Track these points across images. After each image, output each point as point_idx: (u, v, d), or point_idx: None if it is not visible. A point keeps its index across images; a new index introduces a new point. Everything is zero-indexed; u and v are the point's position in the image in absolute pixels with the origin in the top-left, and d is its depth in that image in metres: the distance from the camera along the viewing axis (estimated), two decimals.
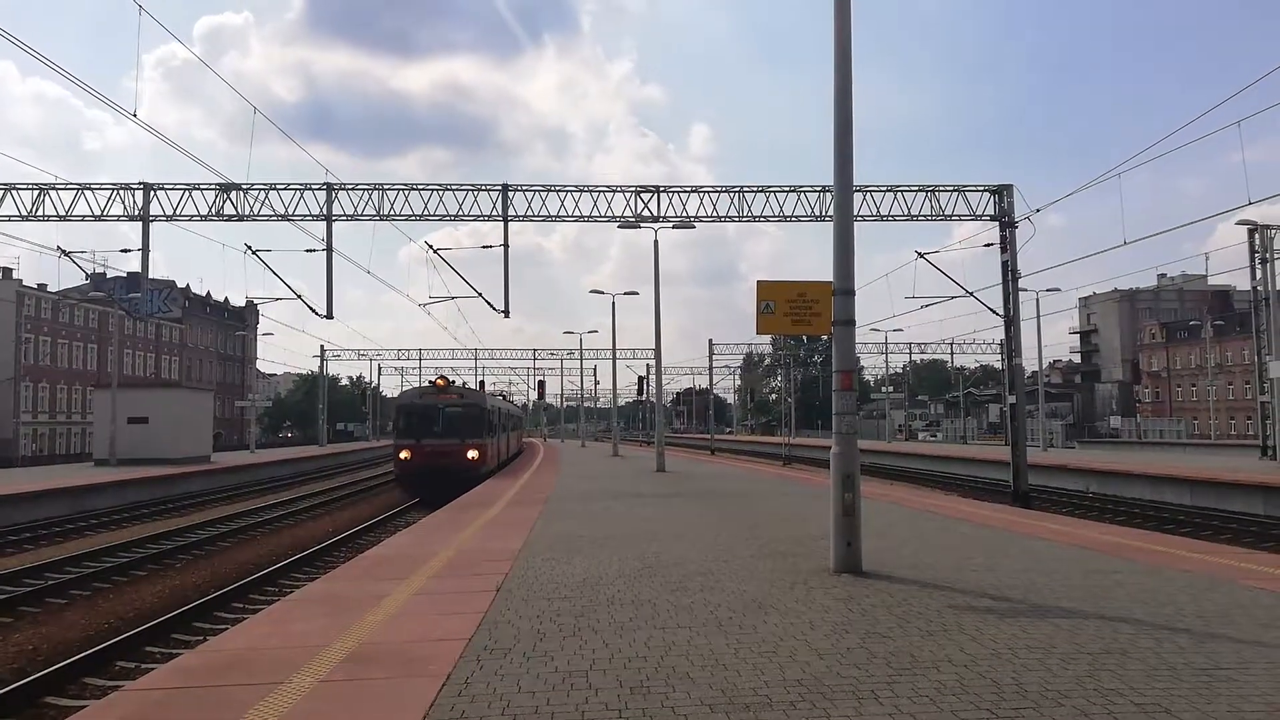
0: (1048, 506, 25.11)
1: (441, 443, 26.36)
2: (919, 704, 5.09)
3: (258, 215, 26.41)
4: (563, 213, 27.35)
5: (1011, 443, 26.33)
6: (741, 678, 5.64)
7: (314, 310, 26.80)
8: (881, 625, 7.03)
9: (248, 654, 6.39)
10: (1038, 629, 6.87)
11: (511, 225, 27.26)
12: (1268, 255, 34.09)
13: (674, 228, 28.59)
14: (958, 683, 5.49)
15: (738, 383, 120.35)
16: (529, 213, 27.20)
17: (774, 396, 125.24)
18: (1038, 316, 54.43)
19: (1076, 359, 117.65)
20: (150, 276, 31.28)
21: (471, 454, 26.65)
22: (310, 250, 26.75)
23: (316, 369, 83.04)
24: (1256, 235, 34.42)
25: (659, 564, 10.17)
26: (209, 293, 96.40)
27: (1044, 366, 70.95)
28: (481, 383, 76.47)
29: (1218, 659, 6.00)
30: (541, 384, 78.47)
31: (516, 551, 11.25)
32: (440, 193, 27.05)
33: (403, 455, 26.72)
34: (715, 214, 27.55)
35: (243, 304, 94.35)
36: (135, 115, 15.73)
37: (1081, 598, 8.07)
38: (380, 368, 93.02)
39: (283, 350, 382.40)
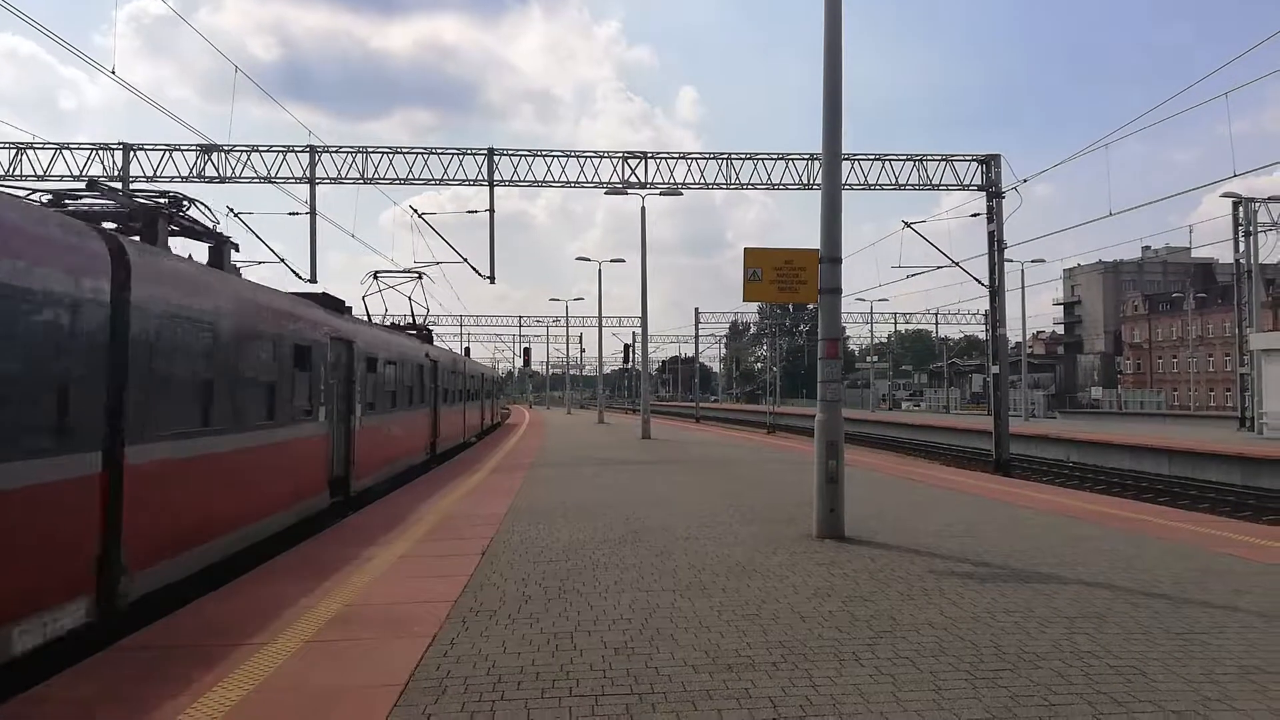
0: (1028, 475, 25.40)
1: None
2: (899, 665, 5.17)
3: (239, 177, 26.07)
4: (549, 178, 27.11)
5: (994, 412, 26.54)
6: (725, 639, 5.71)
7: (297, 274, 26.28)
8: (863, 589, 7.12)
9: (234, 615, 6.40)
10: (1016, 593, 6.97)
11: (497, 190, 27.06)
12: (1251, 228, 34.28)
13: (661, 194, 28.44)
14: (937, 645, 5.57)
15: (723, 351, 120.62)
16: (515, 177, 26.95)
17: (759, 365, 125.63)
18: (1022, 287, 54.85)
19: (1060, 330, 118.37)
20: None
21: None
22: (293, 213, 26.47)
23: None
24: (1241, 208, 34.59)
25: (643, 529, 10.23)
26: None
27: (1027, 337, 71.44)
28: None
29: (1192, 623, 6.11)
30: (527, 351, 78.38)
31: (501, 516, 11.29)
32: (425, 156, 26.76)
33: None
34: (703, 181, 27.40)
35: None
36: (113, 72, 15.41)
37: (1060, 563, 8.19)
38: None
39: None
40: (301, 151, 26.12)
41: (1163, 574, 7.75)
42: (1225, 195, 34.87)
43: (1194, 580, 7.50)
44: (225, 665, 5.19)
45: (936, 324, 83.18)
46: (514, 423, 45.51)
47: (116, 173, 25.79)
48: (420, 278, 24.45)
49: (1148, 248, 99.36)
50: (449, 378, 24.09)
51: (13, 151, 25.69)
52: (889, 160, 27.10)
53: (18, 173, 25.62)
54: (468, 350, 74.57)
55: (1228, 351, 70.91)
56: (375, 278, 23.31)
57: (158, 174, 25.84)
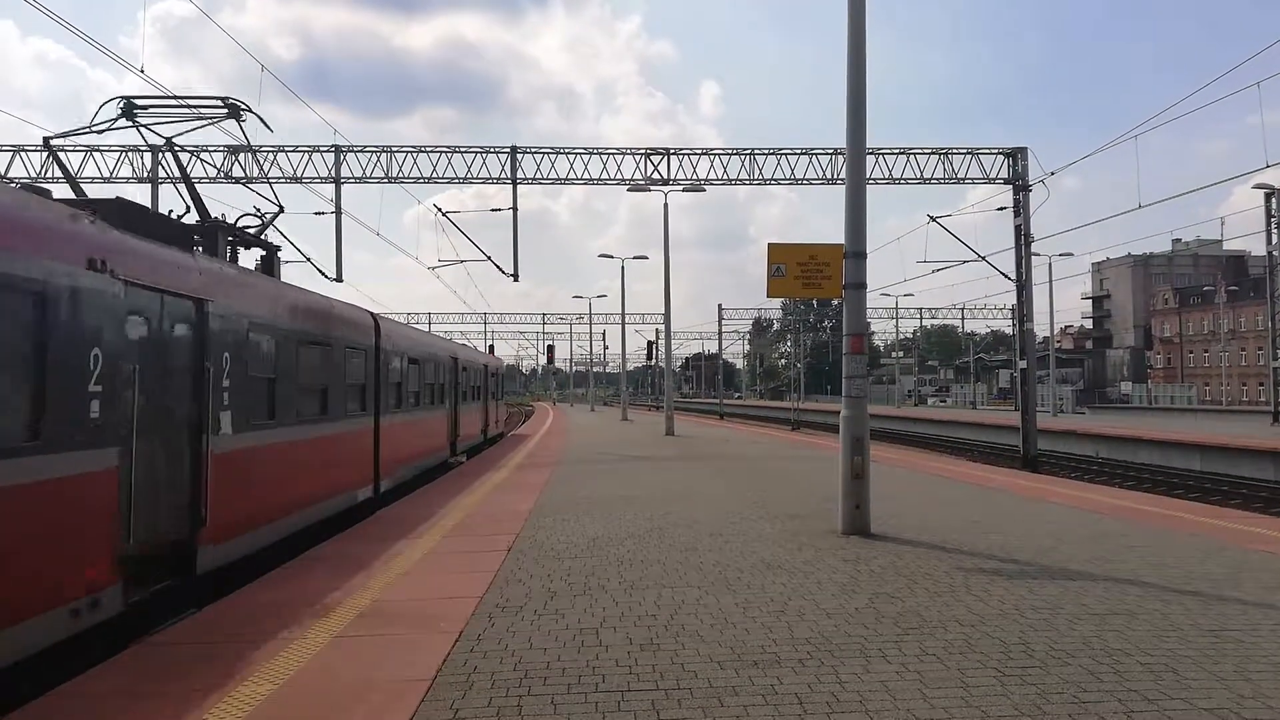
0: (1056, 471, 25.13)
1: None
2: (926, 663, 5.14)
3: (266, 177, 26.32)
4: (572, 175, 27.17)
5: (1021, 408, 26.28)
6: (750, 636, 5.70)
7: (323, 273, 26.59)
8: (889, 586, 7.08)
9: (264, 610, 6.48)
10: (1045, 590, 6.90)
11: (519, 188, 27.15)
12: None
13: (684, 191, 28.39)
14: (965, 642, 5.53)
15: (747, 348, 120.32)
16: (538, 175, 27.03)
17: (783, 362, 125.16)
18: (1050, 281, 54.27)
19: (1089, 324, 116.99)
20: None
21: None
22: (319, 213, 26.70)
23: None
24: (1273, 199, 34.01)
25: (668, 525, 10.24)
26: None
27: (1055, 331, 70.64)
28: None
29: (1225, 621, 6.02)
30: (551, 349, 78.65)
31: (527, 513, 11.34)
32: (449, 155, 26.90)
33: None
34: (726, 176, 27.33)
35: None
36: (143, 72, 15.59)
37: (1089, 560, 8.10)
38: None
39: None
40: (327, 151, 26.35)
41: (1194, 571, 7.65)
42: (1258, 186, 34.39)
43: (1226, 577, 7.39)
44: (255, 659, 5.26)
45: (963, 319, 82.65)
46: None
47: (145, 174, 26.14)
48: (237, 116, 10.98)
49: (1178, 240, 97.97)
50: (310, 362, 11.06)
51: (45, 154, 26.08)
52: (914, 154, 26.90)
53: (49, 175, 26.03)
54: (491, 349, 74.79)
55: (1260, 345, 69.77)
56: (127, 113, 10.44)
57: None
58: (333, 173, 26.37)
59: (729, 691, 4.68)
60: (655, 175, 27.23)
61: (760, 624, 5.97)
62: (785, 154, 27.07)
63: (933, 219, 28.42)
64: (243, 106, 11.01)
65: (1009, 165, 26.41)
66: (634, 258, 46.98)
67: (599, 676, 4.94)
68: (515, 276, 27.84)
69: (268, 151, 26.23)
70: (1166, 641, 5.53)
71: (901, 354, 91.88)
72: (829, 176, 26.78)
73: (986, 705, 4.46)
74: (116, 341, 6.38)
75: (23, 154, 26.00)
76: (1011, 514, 11.25)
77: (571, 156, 27.13)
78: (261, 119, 12.16)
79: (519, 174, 26.85)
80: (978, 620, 6.03)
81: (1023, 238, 25.73)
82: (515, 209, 27.32)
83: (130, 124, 10.54)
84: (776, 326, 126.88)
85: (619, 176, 27.22)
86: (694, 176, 27.40)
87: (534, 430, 36.59)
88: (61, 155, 24.90)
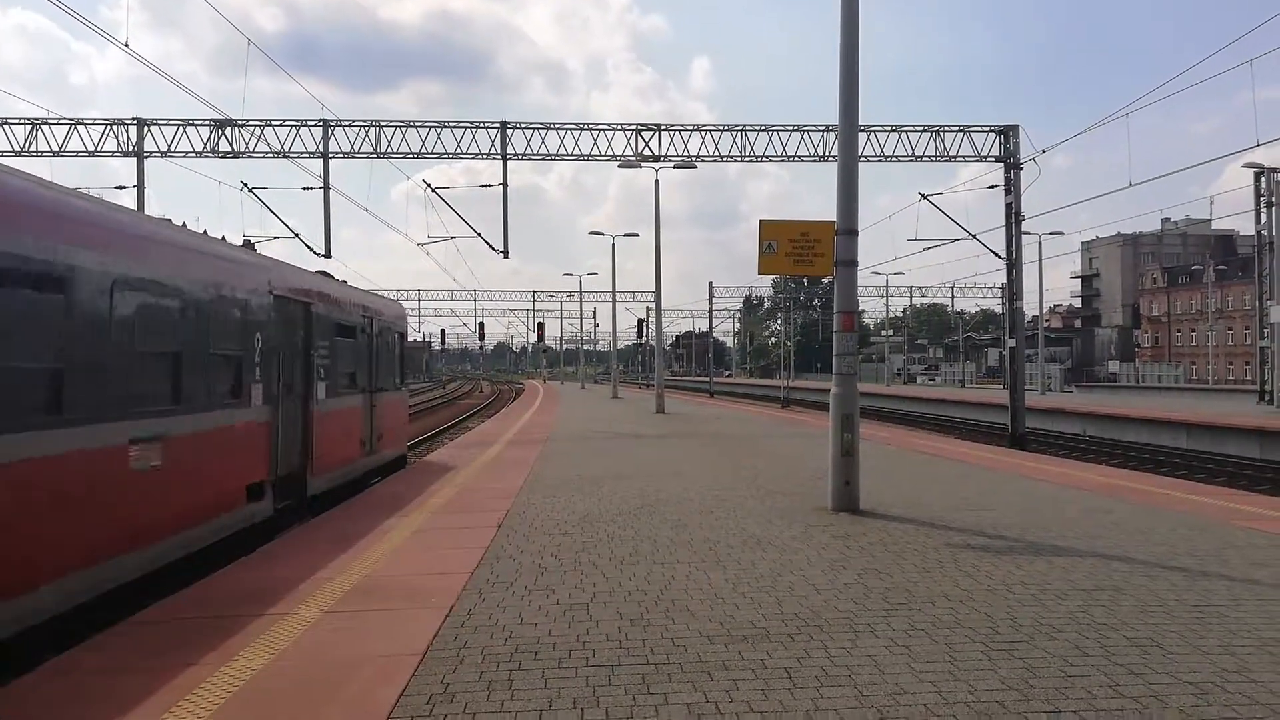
0: (1044, 449, 25.27)
1: None
2: (914, 637, 5.17)
3: (253, 152, 26.06)
4: (562, 151, 26.97)
5: (1010, 386, 26.41)
6: (740, 611, 5.73)
7: (312, 249, 26.52)
8: (878, 562, 7.12)
9: (255, 587, 6.48)
10: (1032, 566, 6.96)
11: (510, 164, 26.96)
12: (1274, 198, 33.78)
13: (675, 167, 28.28)
14: (953, 617, 5.57)
15: (737, 326, 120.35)
16: (528, 151, 26.83)
17: (773, 340, 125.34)
18: (1040, 260, 54.41)
19: (1077, 303, 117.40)
20: (145, 214, 30.74)
21: None
22: (307, 188, 26.45)
23: None
24: (1263, 178, 34.08)
25: (658, 502, 10.26)
26: (205, 231, 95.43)
27: (1044, 310, 70.84)
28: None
29: (1210, 596, 6.08)
30: (541, 326, 78.34)
31: (517, 489, 11.35)
32: (438, 130, 26.67)
33: None
34: (717, 153, 27.20)
35: (239, 243, 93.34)
36: (126, 44, 15.39)
37: (1076, 536, 8.16)
38: None
39: None
40: (315, 125, 26.08)
41: (1180, 547, 7.72)
42: (1247, 165, 34.39)
43: (1212, 553, 7.46)
44: (246, 635, 5.26)
45: (952, 297, 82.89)
46: (529, 397, 45.00)
47: (131, 148, 25.84)
48: None
49: (1167, 219, 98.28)
50: None
51: (28, 128, 25.75)
52: (905, 131, 26.82)
53: (33, 149, 25.71)
54: (481, 326, 74.47)
55: (1248, 325, 70.15)
56: None
57: (172, 149, 25.88)
58: (320, 147, 26.13)
59: (719, 665, 4.70)
60: (646, 151, 27.08)
61: (750, 599, 6.00)
62: (777, 130, 26.95)
63: (924, 197, 28.41)
64: None
65: (1000, 143, 26.38)
66: (625, 235, 47.03)
67: (589, 651, 4.96)
68: (505, 253, 27.74)
69: (255, 126, 25.96)
70: (1152, 616, 5.59)
71: (891, 332, 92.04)
72: (821, 153, 26.68)
73: (974, 679, 4.49)
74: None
75: (6, 127, 25.66)
76: (999, 491, 11.32)
77: (562, 132, 26.95)
78: None
79: (509, 149, 26.66)
80: (965, 596, 6.08)
81: (1013, 216, 25.76)
82: (505, 185, 27.16)
83: None
84: (767, 304, 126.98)
85: (610, 153, 27.06)
86: (685, 153, 27.26)
87: (525, 407, 36.37)
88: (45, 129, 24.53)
